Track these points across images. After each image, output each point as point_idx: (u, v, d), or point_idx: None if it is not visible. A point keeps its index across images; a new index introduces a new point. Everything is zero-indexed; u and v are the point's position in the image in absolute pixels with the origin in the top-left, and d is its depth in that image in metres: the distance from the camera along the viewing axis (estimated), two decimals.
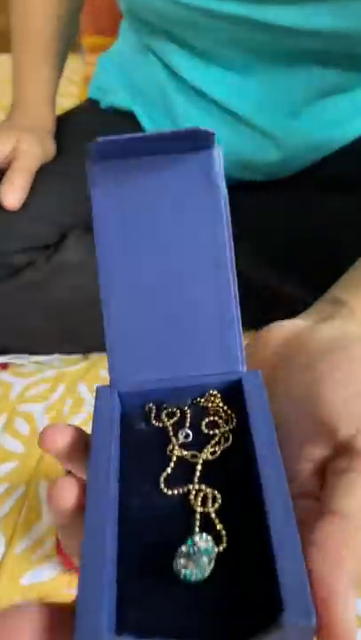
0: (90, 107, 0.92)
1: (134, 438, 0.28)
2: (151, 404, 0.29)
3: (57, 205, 0.79)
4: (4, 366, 0.85)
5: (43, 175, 0.80)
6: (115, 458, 0.26)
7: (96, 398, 0.28)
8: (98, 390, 0.28)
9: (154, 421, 0.28)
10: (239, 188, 0.81)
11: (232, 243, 0.29)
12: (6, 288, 0.77)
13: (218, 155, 0.28)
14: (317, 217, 0.78)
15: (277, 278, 0.78)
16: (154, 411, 0.29)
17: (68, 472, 0.29)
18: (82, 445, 0.26)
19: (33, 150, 0.77)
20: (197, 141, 0.27)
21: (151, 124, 0.85)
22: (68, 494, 0.24)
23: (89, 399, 0.78)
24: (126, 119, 0.87)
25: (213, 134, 0.26)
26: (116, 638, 0.20)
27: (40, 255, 0.78)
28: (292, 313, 0.35)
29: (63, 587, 0.55)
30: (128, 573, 0.23)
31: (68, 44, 0.89)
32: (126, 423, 0.29)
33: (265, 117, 0.75)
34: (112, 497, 0.24)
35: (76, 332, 0.84)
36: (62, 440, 0.26)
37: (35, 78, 0.85)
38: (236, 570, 0.22)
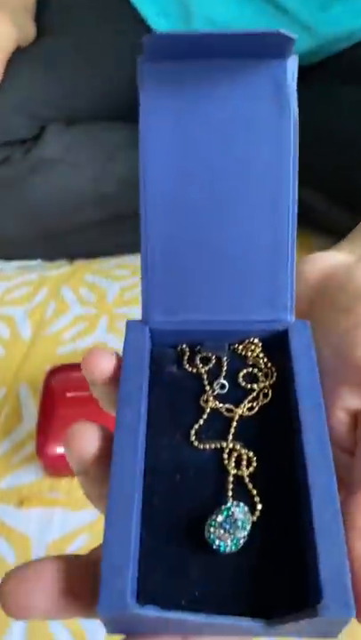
0: None
1: (164, 382, 0.26)
2: (185, 346, 0.27)
3: (36, 95, 0.73)
4: None
5: (19, 60, 0.72)
6: (144, 401, 0.23)
7: (127, 333, 0.25)
8: (128, 324, 0.26)
9: (186, 365, 0.26)
10: None
11: (297, 174, 0.25)
12: None
13: (293, 66, 0.24)
14: (334, 109, 0.71)
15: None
16: (187, 353, 0.26)
17: None
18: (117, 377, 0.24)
19: (6, 30, 0.69)
20: (271, 48, 0.23)
21: (154, 5, 0.76)
22: (90, 440, 0.22)
23: (73, 303, 0.75)
24: None
25: (293, 40, 0.22)
26: (140, 608, 0.18)
27: (16, 151, 0.72)
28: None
29: (45, 490, 0.54)
30: (154, 535, 0.21)
31: None
32: (156, 363, 0.26)
33: (297, 3, 0.68)
34: (140, 445, 0.22)
35: (58, 239, 0.79)
36: (107, 365, 0.24)
37: None
38: (270, 542, 0.21)
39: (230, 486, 0.22)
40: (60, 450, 0.54)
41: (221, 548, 0.20)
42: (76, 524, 0.51)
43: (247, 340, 0.26)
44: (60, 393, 0.58)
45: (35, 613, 0.19)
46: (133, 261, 0.82)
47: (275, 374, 0.25)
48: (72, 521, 0.52)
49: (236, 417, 0.24)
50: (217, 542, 0.20)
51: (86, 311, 0.74)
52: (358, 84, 0.71)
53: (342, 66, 0.74)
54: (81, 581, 0.19)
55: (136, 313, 0.72)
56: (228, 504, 0.21)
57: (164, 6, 0.75)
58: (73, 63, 0.75)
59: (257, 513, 0.21)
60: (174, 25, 0.76)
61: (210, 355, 0.26)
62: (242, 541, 0.20)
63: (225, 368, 0.26)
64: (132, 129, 0.84)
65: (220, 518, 0.20)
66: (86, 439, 0.22)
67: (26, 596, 0.19)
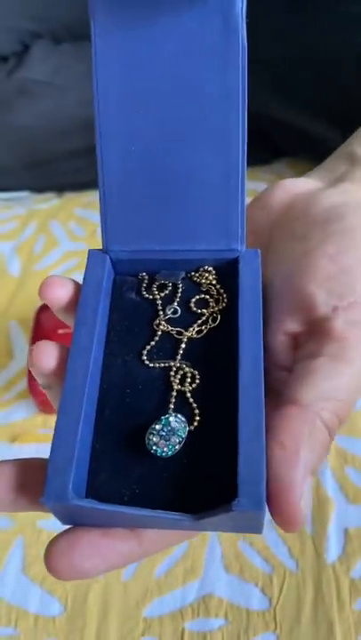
0: None
1: (122, 306, 0.27)
2: (145, 274, 0.28)
3: (15, 5, 0.67)
4: None
5: None
6: (101, 323, 0.25)
7: (87, 261, 0.27)
8: (90, 253, 0.27)
9: (144, 292, 0.28)
10: None
11: (247, 101, 0.25)
12: None
13: None
14: (337, 28, 0.66)
15: (297, 116, 0.69)
16: (146, 281, 0.28)
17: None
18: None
19: None
20: None
21: None
22: (49, 356, 0.24)
23: (63, 238, 0.72)
24: None
25: None
26: (80, 500, 0.21)
27: None
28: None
29: (37, 427, 0.54)
30: (102, 441, 0.24)
31: None
32: (116, 290, 0.28)
33: None
34: (93, 362, 0.24)
35: (46, 168, 0.75)
36: (63, 293, 0.26)
37: None
38: (203, 449, 0.23)
39: (173, 400, 0.24)
40: None
41: (158, 453, 0.23)
42: None
43: (202, 268, 0.28)
44: (52, 330, 0.56)
45: None
46: None
47: (225, 300, 0.27)
48: None
49: (185, 339, 0.26)
50: (154, 448, 0.23)
51: (77, 246, 0.72)
52: None
53: None
54: (35, 479, 0.22)
55: None
56: (167, 415, 0.23)
57: None
58: None
59: (195, 424, 0.24)
60: None
61: (166, 282, 0.28)
62: (177, 447, 0.23)
63: (179, 294, 0.27)
64: None
65: (158, 427, 0.23)
66: (46, 356, 0.24)
67: None
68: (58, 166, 0.75)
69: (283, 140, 0.74)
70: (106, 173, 0.26)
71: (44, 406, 0.55)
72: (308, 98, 0.69)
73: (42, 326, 0.57)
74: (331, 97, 0.68)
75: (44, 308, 0.59)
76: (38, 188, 0.78)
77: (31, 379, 0.54)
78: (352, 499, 0.48)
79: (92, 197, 0.78)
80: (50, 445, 0.22)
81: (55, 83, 0.69)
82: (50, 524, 0.49)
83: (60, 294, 0.26)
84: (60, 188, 0.78)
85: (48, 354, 0.24)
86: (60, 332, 0.56)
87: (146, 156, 0.26)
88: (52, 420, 0.55)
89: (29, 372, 0.55)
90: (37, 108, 0.69)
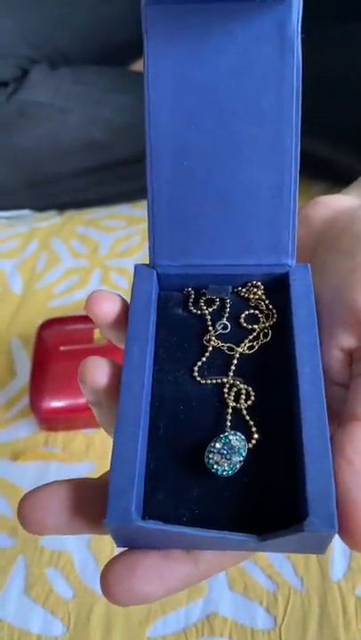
0: None
1: (170, 322, 0.27)
2: (190, 289, 0.28)
3: (14, 33, 0.68)
4: None
5: None
6: (151, 340, 0.25)
7: (135, 276, 0.27)
8: (136, 269, 0.27)
9: (192, 307, 0.27)
10: None
11: (300, 119, 0.25)
12: None
13: (297, 8, 0.24)
14: (346, 50, 0.67)
15: (303, 136, 0.70)
16: (192, 296, 0.28)
17: None
18: (126, 317, 0.26)
19: None
20: None
21: None
22: (100, 372, 0.23)
23: (64, 255, 0.73)
24: None
25: None
26: (144, 522, 0.20)
27: None
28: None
29: (39, 444, 0.54)
30: (158, 460, 0.23)
31: None
32: (163, 306, 0.28)
33: None
34: (147, 379, 0.23)
35: (47, 187, 0.76)
36: (110, 308, 0.25)
37: None
38: (263, 467, 0.22)
39: (229, 417, 0.23)
40: (54, 404, 0.54)
41: (219, 472, 0.22)
42: (73, 477, 0.51)
43: (250, 283, 0.27)
44: (53, 347, 0.57)
45: (49, 529, 0.21)
46: (125, 212, 0.80)
47: (275, 315, 0.27)
48: (67, 474, 0.52)
49: (237, 355, 0.25)
50: (215, 466, 0.22)
51: (78, 264, 0.72)
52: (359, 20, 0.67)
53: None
54: (89, 501, 0.21)
55: (129, 265, 0.70)
56: (226, 432, 0.22)
57: None
58: (52, 0, 0.71)
59: (253, 441, 0.23)
60: None
61: (214, 297, 0.27)
62: (238, 466, 0.22)
63: (228, 309, 0.27)
64: (121, 72, 0.80)
65: (218, 445, 0.22)
66: (98, 372, 0.23)
67: (41, 513, 0.21)
68: (59, 186, 0.76)
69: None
70: (155, 187, 0.26)
71: (46, 424, 0.55)
72: (315, 118, 0.70)
73: (44, 343, 0.58)
74: (338, 117, 0.69)
75: (46, 325, 0.59)
76: (39, 207, 0.79)
77: (33, 396, 0.54)
78: None
79: (94, 215, 0.79)
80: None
81: (55, 104, 0.70)
82: (51, 543, 0.48)
83: (108, 309, 0.25)
84: (61, 206, 0.79)
85: (99, 370, 0.23)
86: (62, 348, 0.56)
87: (196, 172, 0.26)
88: (54, 437, 0.54)
89: (31, 389, 0.55)
90: (38, 130, 0.70)
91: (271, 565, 0.46)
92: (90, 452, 0.53)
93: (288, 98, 0.25)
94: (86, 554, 0.48)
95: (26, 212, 0.78)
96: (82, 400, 0.53)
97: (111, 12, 0.74)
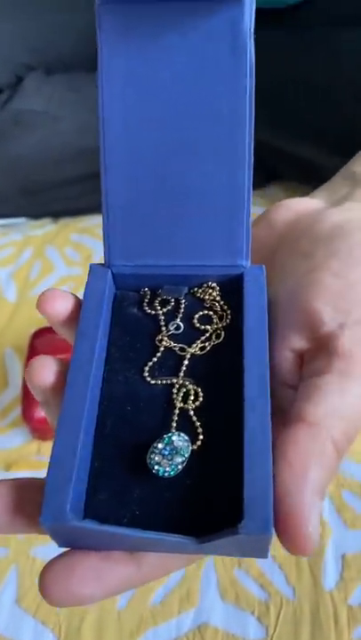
0: None
1: (124, 322, 0.27)
2: (146, 289, 0.28)
3: (13, 39, 0.69)
4: None
5: None
6: (102, 338, 0.25)
7: (89, 275, 0.27)
8: (91, 268, 0.27)
9: (146, 307, 0.27)
10: None
11: (253, 118, 0.25)
12: None
13: (250, 6, 0.24)
14: (332, 56, 0.67)
15: (289, 140, 0.70)
16: (148, 296, 0.28)
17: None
18: (78, 315, 0.26)
19: None
20: None
21: None
22: (47, 371, 0.24)
23: (59, 263, 0.73)
24: None
25: None
26: (79, 521, 0.20)
27: None
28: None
29: (32, 454, 0.54)
30: (102, 459, 0.23)
31: None
32: (117, 305, 0.27)
33: None
34: (93, 377, 0.23)
35: (42, 195, 0.76)
36: (62, 306, 0.25)
37: None
38: (207, 469, 0.22)
39: (175, 418, 0.23)
40: None
41: (160, 473, 0.22)
42: None
43: (205, 284, 0.27)
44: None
45: None
46: None
47: (229, 317, 0.27)
48: None
49: (188, 355, 0.25)
50: (156, 467, 0.22)
51: (72, 272, 0.72)
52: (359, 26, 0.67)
53: (334, 4, 0.70)
54: (32, 501, 0.21)
55: None
56: (170, 433, 0.22)
57: None
58: (49, 6, 0.71)
59: (198, 443, 0.23)
60: None
61: (169, 297, 0.27)
62: (180, 467, 0.22)
63: (182, 310, 0.27)
64: None
65: (160, 445, 0.22)
66: (45, 371, 0.24)
67: None
68: (53, 193, 0.76)
69: (276, 164, 0.75)
70: (110, 188, 0.26)
71: (38, 433, 0.55)
72: (301, 122, 0.70)
73: (37, 352, 0.57)
74: (323, 121, 0.69)
75: (39, 334, 0.59)
76: (34, 215, 0.79)
77: (25, 406, 0.54)
78: (350, 524, 0.48)
79: (88, 223, 0.79)
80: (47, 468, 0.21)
81: (49, 112, 0.70)
82: (43, 552, 0.48)
83: (60, 308, 0.25)
84: (56, 214, 0.79)
85: (47, 368, 0.24)
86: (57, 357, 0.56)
87: (151, 172, 0.26)
88: (46, 446, 0.54)
89: (23, 398, 0.55)
90: (32, 138, 0.70)
91: (263, 575, 0.46)
92: None
93: (241, 97, 0.24)
94: None
95: (20, 219, 0.78)
96: None
97: None
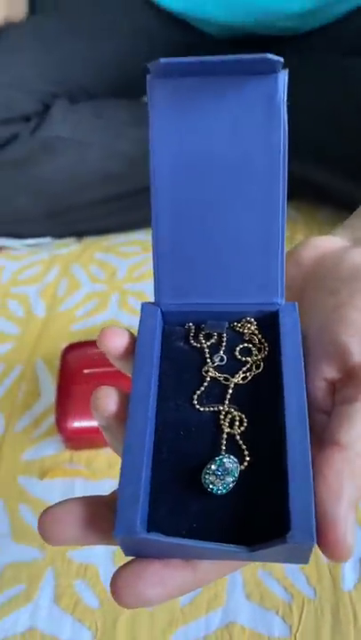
0: None
1: (173, 355, 0.30)
2: (191, 324, 0.31)
3: (35, 70, 0.73)
4: None
5: (17, 33, 0.72)
6: (155, 371, 0.28)
7: (141, 313, 0.30)
8: (143, 307, 0.30)
9: (192, 341, 0.30)
10: (249, 46, 0.73)
11: (286, 173, 0.28)
12: None
13: (283, 80, 0.27)
14: (342, 83, 0.71)
15: (303, 165, 0.72)
16: (193, 331, 0.31)
17: None
18: (133, 349, 0.29)
19: None
20: (262, 67, 0.26)
21: None
22: (110, 401, 0.26)
23: (84, 281, 0.77)
24: None
25: (281, 62, 0.25)
26: (147, 534, 0.23)
27: (21, 128, 0.72)
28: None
29: (65, 462, 0.57)
30: (161, 479, 0.26)
31: None
32: (166, 339, 0.31)
33: None
34: (151, 407, 0.26)
35: (67, 216, 0.80)
36: (119, 342, 0.28)
37: None
38: (254, 487, 0.25)
39: (224, 442, 0.26)
40: (78, 424, 0.57)
41: (214, 491, 0.25)
42: (96, 493, 0.54)
43: (244, 319, 0.30)
44: (77, 370, 0.60)
45: (67, 542, 0.24)
46: (141, 238, 0.84)
47: (267, 349, 0.30)
48: (92, 490, 0.55)
49: (232, 385, 0.28)
50: (211, 486, 0.25)
51: (97, 288, 0.76)
52: None
53: (346, 34, 0.74)
54: (101, 516, 0.24)
55: (145, 289, 0.74)
56: (221, 455, 0.25)
57: None
58: (71, 37, 0.75)
59: (245, 463, 0.26)
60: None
61: (212, 332, 0.30)
62: (231, 485, 0.25)
63: (224, 343, 0.30)
64: (138, 106, 0.85)
65: (213, 467, 0.25)
66: (108, 400, 0.26)
67: (59, 528, 0.24)
68: (77, 214, 0.80)
69: (290, 186, 0.79)
70: (159, 236, 0.29)
71: (71, 442, 0.58)
72: (314, 147, 0.73)
73: (68, 366, 0.61)
74: (333, 143, 0.72)
75: (70, 349, 0.63)
76: (60, 235, 0.82)
77: (59, 417, 0.58)
78: None
79: (111, 242, 0.83)
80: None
81: (75, 138, 0.74)
82: (79, 555, 0.51)
83: (117, 344, 0.28)
84: (80, 233, 0.83)
85: (110, 398, 0.26)
86: (86, 371, 0.60)
87: (195, 221, 0.29)
88: (78, 455, 0.58)
89: (57, 410, 0.58)
90: (59, 163, 0.74)
91: (286, 576, 0.49)
92: (112, 469, 0.56)
93: (276, 156, 0.28)
94: (111, 566, 0.50)
95: (47, 239, 0.82)
96: None
97: (130, 46, 0.78)
